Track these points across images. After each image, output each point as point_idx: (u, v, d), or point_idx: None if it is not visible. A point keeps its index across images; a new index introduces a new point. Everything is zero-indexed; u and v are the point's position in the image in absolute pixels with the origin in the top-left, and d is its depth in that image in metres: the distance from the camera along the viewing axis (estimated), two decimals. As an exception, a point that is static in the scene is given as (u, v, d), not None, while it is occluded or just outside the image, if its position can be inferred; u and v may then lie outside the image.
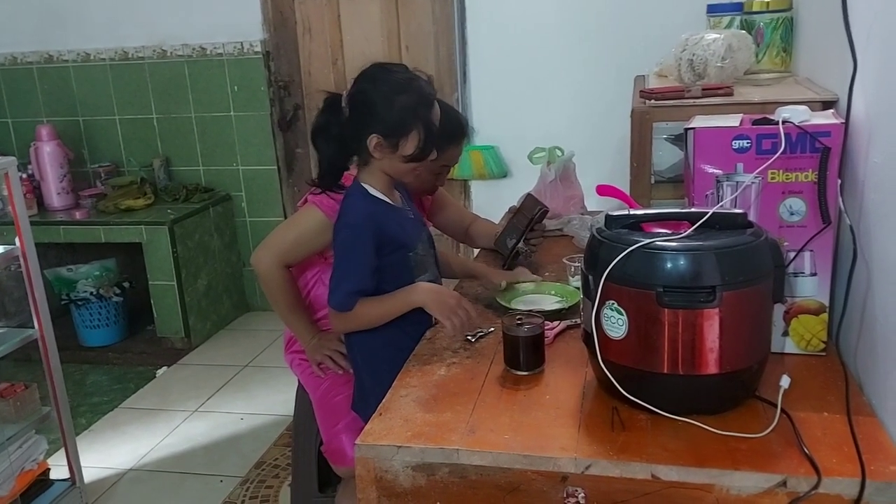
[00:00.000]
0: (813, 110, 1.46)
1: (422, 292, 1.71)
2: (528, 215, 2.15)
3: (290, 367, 2.23)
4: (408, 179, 1.83)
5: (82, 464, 2.66)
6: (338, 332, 1.89)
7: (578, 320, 1.64)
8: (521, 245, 2.14)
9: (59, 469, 2.64)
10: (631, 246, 1.24)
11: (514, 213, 2.26)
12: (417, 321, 1.76)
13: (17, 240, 2.38)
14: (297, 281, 2.11)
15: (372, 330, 1.79)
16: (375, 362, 1.82)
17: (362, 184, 1.77)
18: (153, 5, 4.05)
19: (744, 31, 2.14)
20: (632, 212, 1.37)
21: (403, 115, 1.68)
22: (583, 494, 1.19)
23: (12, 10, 4.19)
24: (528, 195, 2.29)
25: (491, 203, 3.27)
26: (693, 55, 1.97)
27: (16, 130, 4.35)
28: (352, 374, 2.00)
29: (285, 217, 4.10)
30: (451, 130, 2.11)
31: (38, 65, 4.25)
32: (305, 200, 2.01)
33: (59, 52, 4.21)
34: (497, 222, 2.38)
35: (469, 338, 1.67)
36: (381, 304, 1.74)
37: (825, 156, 1.36)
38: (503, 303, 1.85)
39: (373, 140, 1.70)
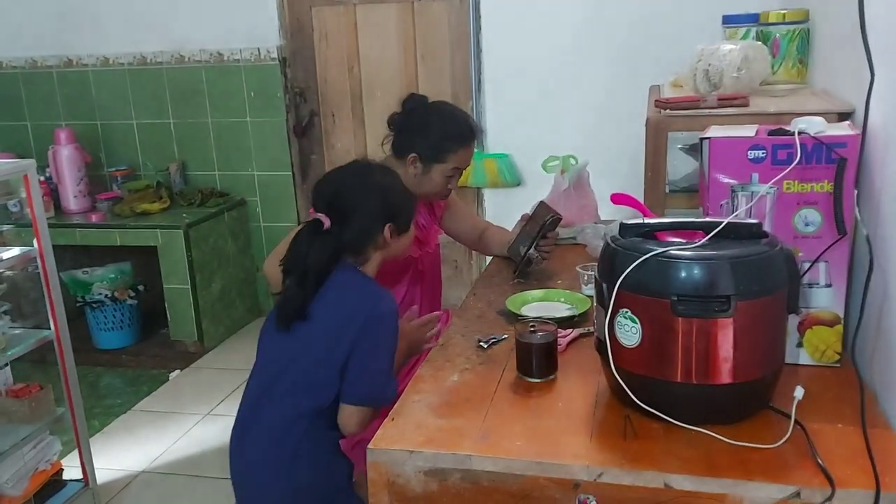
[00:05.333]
0: (829, 121, 1.46)
1: (401, 355, 1.74)
2: (540, 222, 2.16)
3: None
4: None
5: (95, 465, 2.68)
6: (354, 433, 1.68)
7: (591, 328, 1.64)
8: (532, 252, 2.14)
9: (72, 470, 2.66)
10: (645, 254, 1.25)
11: (527, 220, 2.27)
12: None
13: (34, 241, 2.41)
14: None
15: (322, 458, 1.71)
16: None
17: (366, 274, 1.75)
18: (171, 11, 4.08)
19: (760, 43, 2.13)
20: (646, 220, 1.38)
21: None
22: (595, 502, 1.19)
23: (32, 13, 4.24)
24: (541, 203, 2.29)
25: (504, 211, 3.28)
26: (709, 65, 1.97)
27: (34, 133, 4.39)
28: None
29: (299, 222, 4.11)
30: (462, 133, 2.13)
31: (57, 69, 4.30)
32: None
33: (78, 57, 4.26)
34: (510, 230, 2.38)
35: (482, 344, 1.68)
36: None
37: (841, 166, 1.36)
38: (512, 310, 1.85)
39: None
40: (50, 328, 2.48)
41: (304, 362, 1.63)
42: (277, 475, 1.63)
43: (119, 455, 3.02)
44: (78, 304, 3.89)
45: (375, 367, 1.62)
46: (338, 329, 1.61)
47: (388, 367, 1.64)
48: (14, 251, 2.41)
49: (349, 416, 1.61)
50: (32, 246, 2.41)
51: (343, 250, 1.68)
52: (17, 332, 2.48)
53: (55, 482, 2.57)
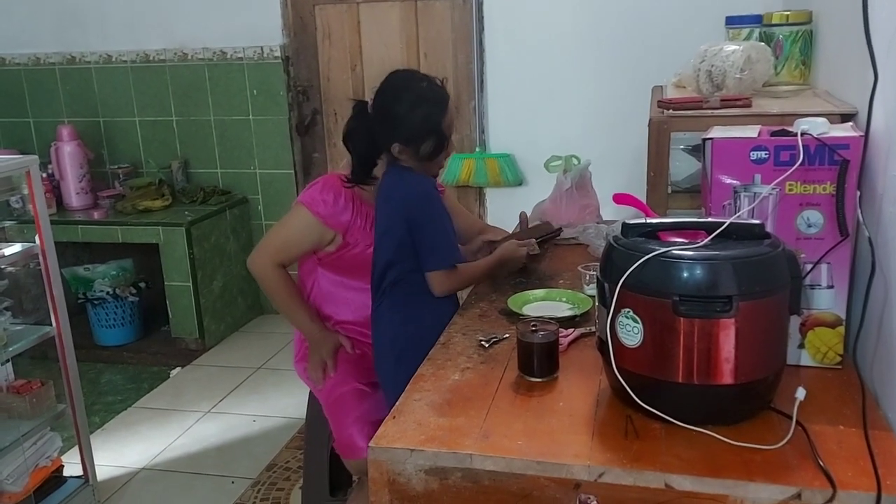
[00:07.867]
0: (832, 123, 1.46)
1: (505, 262, 2.04)
2: (539, 234, 2.19)
3: (298, 375, 2.25)
4: (431, 173, 1.99)
5: (95, 462, 2.69)
6: (449, 292, 1.96)
7: (593, 328, 1.64)
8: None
9: (72, 466, 2.67)
10: (648, 254, 1.24)
11: (527, 230, 2.28)
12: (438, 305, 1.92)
13: (36, 238, 2.41)
14: (297, 284, 2.18)
15: (397, 314, 1.94)
16: (400, 343, 1.93)
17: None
18: (175, 9, 4.09)
19: (763, 44, 2.13)
20: (648, 220, 1.37)
21: (422, 125, 1.90)
22: (596, 502, 1.19)
23: (35, 11, 4.24)
24: (546, 223, 2.32)
25: (506, 210, 3.27)
26: (712, 66, 1.96)
27: (37, 130, 4.40)
28: (359, 367, 2.07)
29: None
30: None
31: (60, 66, 4.30)
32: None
33: (81, 54, 4.26)
34: (511, 231, 2.38)
35: (483, 343, 1.68)
36: (475, 266, 2.01)
37: (844, 168, 1.36)
38: (514, 309, 1.85)
39: (395, 147, 1.91)
40: (51, 324, 2.48)
41: None
42: None
43: (119, 452, 3.02)
44: (79, 301, 3.89)
45: (429, 239, 1.89)
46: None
47: (439, 237, 1.89)
48: (16, 247, 2.42)
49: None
50: (34, 242, 2.42)
51: (375, 139, 1.94)
52: (18, 328, 2.49)
53: (55, 478, 2.57)
